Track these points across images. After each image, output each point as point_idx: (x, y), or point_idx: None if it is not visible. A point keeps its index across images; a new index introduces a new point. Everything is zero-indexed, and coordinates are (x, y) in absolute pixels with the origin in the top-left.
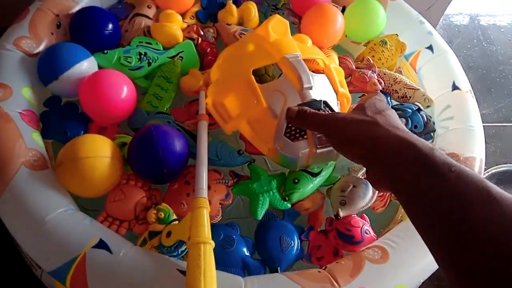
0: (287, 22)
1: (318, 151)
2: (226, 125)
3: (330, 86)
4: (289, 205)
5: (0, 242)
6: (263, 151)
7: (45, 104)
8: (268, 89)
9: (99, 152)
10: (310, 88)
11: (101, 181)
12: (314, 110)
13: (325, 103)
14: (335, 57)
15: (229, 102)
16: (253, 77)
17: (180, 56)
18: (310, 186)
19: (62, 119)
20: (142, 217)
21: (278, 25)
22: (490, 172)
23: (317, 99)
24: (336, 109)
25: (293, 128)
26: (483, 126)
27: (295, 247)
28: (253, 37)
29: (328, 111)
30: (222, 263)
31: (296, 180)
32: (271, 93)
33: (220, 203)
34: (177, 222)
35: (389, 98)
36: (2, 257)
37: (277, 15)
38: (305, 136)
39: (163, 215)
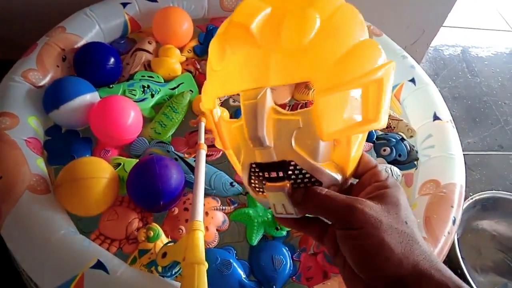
0: None
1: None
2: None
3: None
4: (284, 233)
5: None
6: None
7: (47, 133)
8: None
9: (96, 173)
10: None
11: (98, 201)
12: (330, 192)
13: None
14: None
15: None
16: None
17: (190, 90)
18: None
19: (66, 145)
20: (133, 237)
21: None
22: (474, 199)
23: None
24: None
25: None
26: (469, 154)
27: (288, 265)
28: None
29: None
30: (220, 287)
31: None
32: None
33: (217, 229)
34: (172, 244)
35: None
36: None
37: None
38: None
39: (152, 233)
